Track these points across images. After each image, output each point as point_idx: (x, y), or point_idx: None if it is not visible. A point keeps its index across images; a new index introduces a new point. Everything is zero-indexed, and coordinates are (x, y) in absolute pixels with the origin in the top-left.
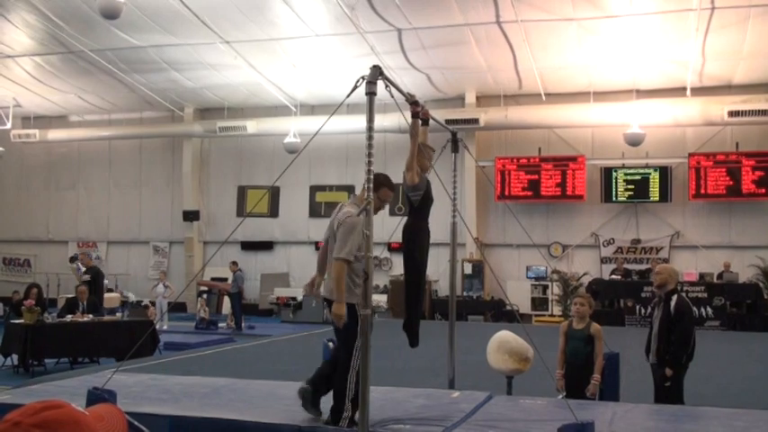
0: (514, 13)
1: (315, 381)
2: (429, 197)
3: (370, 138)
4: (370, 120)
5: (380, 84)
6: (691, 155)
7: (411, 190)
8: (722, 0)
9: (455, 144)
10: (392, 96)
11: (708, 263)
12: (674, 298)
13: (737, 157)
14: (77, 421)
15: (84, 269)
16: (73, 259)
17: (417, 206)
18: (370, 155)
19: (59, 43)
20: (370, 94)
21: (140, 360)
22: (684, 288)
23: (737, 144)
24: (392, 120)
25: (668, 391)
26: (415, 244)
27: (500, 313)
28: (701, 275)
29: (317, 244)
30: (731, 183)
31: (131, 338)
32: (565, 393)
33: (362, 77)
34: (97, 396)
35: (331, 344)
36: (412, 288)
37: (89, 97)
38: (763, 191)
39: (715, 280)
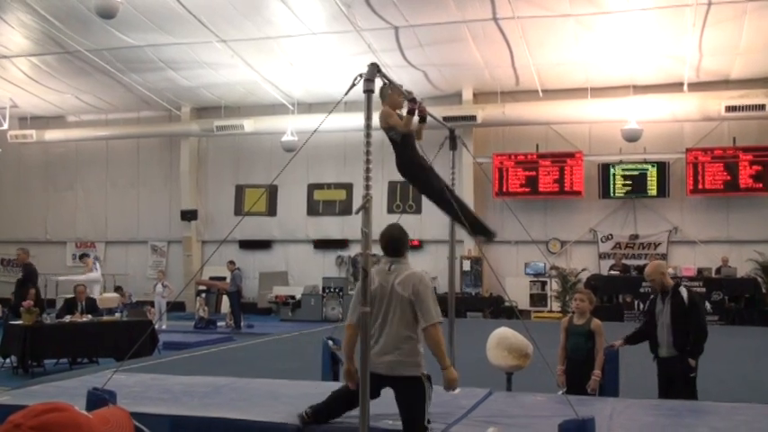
0: (511, 10)
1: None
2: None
3: (368, 135)
4: (368, 117)
5: (378, 81)
6: (688, 150)
7: (388, 131)
8: None
9: (453, 141)
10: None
11: (706, 258)
12: (683, 290)
13: (735, 152)
14: (79, 425)
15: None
16: (83, 256)
17: (400, 141)
18: (368, 152)
19: (56, 43)
20: (368, 91)
21: (140, 360)
22: (683, 283)
23: (735, 139)
24: None
25: (693, 383)
26: (415, 169)
27: (499, 310)
28: (700, 270)
29: (315, 242)
30: (729, 178)
31: (130, 338)
32: (565, 389)
33: (360, 75)
34: (97, 397)
35: (330, 342)
36: (445, 202)
37: (86, 97)
38: (761, 185)
39: (713, 275)
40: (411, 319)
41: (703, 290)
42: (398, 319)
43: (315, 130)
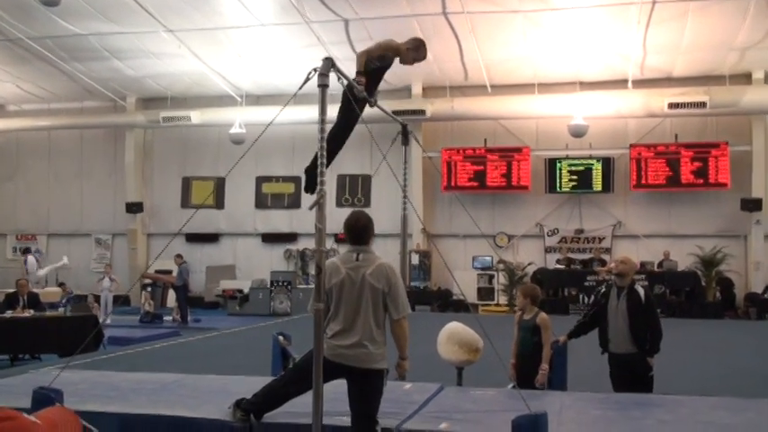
0: (461, 5)
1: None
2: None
3: (322, 130)
4: (323, 112)
5: (332, 76)
6: (632, 146)
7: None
8: None
9: (405, 137)
10: (344, 87)
11: (648, 252)
12: (640, 288)
13: (677, 149)
14: None
15: None
16: (26, 251)
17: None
18: (322, 147)
19: None
20: (323, 86)
21: (85, 356)
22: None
23: (677, 135)
24: None
25: (651, 380)
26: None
27: (447, 303)
28: (642, 264)
29: (263, 235)
30: (670, 173)
31: (74, 334)
32: (515, 383)
33: (314, 69)
34: (44, 396)
35: (281, 337)
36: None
37: (27, 86)
38: (701, 181)
39: (655, 268)
40: (382, 310)
41: (646, 283)
42: (372, 311)
43: (269, 125)
